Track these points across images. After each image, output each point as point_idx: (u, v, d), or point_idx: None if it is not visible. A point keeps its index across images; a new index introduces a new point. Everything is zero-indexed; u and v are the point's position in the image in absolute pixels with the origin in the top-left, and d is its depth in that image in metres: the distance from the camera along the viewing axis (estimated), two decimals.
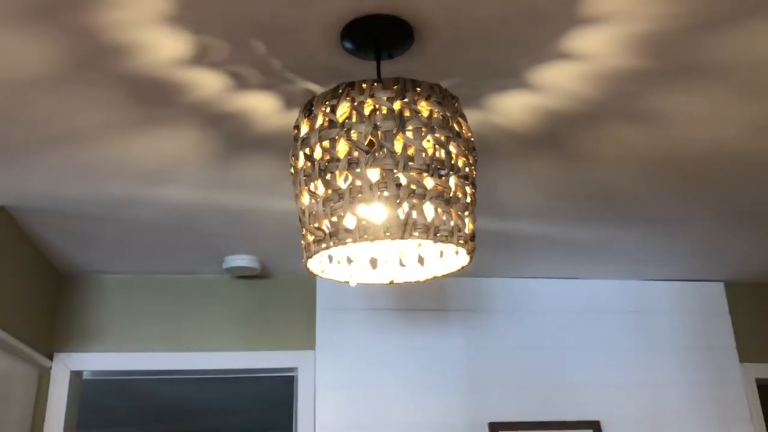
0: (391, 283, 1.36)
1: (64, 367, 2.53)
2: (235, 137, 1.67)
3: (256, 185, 1.94)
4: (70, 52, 1.32)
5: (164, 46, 1.31)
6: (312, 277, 2.76)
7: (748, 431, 2.80)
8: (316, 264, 1.29)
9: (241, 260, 2.52)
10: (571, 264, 2.73)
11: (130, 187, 1.92)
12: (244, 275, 2.67)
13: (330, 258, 1.33)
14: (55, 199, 1.98)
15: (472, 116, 1.61)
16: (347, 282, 1.34)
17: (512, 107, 1.57)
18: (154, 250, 2.41)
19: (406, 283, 2.79)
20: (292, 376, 2.78)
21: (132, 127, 1.61)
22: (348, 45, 1.32)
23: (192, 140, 1.68)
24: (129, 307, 2.63)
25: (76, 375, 2.58)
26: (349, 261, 1.34)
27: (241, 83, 1.45)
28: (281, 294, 2.73)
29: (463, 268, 1.31)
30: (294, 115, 1.57)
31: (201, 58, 1.36)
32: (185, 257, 2.49)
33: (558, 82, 1.48)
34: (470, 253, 1.23)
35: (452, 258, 1.32)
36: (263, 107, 1.54)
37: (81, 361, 2.56)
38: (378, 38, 1.30)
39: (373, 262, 1.35)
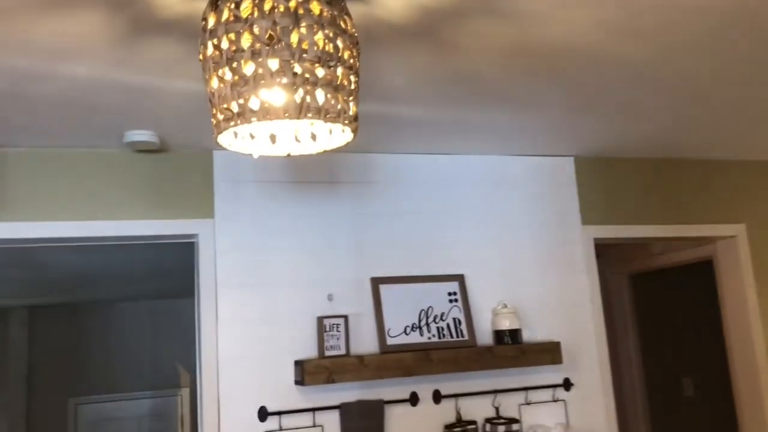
0: (288, 155, 1.61)
1: None
2: (140, 21, 1.80)
3: (158, 66, 2.08)
4: None
5: None
6: (209, 151, 2.95)
7: (584, 280, 3.38)
8: (225, 139, 1.52)
9: (140, 135, 2.66)
10: (444, 141, 3.07)
11: (34, 64, 2.01)
12: (144, 149, 2.82)
13: (235, 134, 1.56)
14: None
15: (359, 9, 1.82)
16: (251, 154, 1.58)
17: (392, 1, 1.80)
18: (57, 125, 2.51)
19: (299, 158, 3.05)
20: (193, 243, 3.03)
21: (38, 7, 1.70)
22: None
23: (97, 22, 1.79)
24: (31, 179, 2.73)
25: None
26: (252, 137, 1.58)
27: None
28: (180, 167, 2.91)
29: (347, 143, 1.58)
30: (196, 3, 1.72)
31: None
32: (87, 132, 2.60)
33: None
34: (354, 131, 1.50)
35: (339, 135, 1.58)
36: None
37: None
38: None
39: (273, 138, 1.59)
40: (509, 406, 3.13)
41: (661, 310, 4.99)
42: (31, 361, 5.53)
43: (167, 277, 4.92)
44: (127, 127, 2.60)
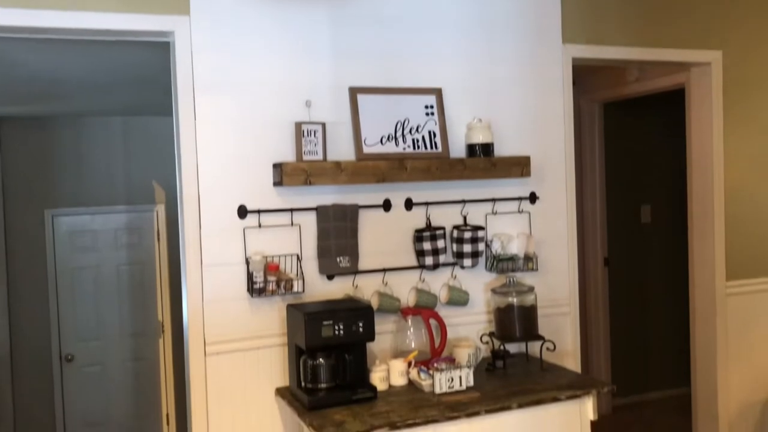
0: None
1: None
2: None
3: None
4: None
5: None
6: None
7: (558, 99, 3.43)
8: None
9: None
10: None
11: None
12: None
13: None
14: None
15: None
16: None
17: None
18: None
19: None
20: (168, 43, 2.96)
21: None
22: None
23: None
24: None
25: None
26: None
27: None
28: None
29: None
30: None
31: None
32: None
33: None
34: None
35: None
36: None
37: None
38: None
39: None
40: (476, 215, 3.29)
41: (628, 140, 5.12)
42: (4, 171, 5.54)
43: (141, 91, 4.84)
44: None
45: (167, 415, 5.15)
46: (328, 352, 2.70)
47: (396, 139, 3.12)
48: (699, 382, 3.99)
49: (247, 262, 2.88)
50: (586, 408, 2.74)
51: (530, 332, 3.11)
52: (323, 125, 2.97)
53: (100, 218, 5.74)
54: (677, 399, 4.88)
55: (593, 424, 2.78)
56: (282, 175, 2.82)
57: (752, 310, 3.96)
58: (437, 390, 2.73)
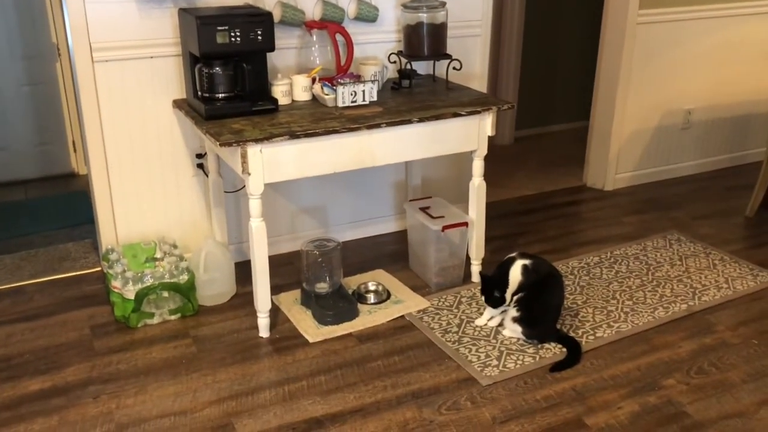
0: None
1: None
2: None
3: None
4: None
5: None
6: None
7: None
8: None
9: None
10: None
11: None
12: None
13: None
14: None
15: None
16: None
17: None
18: None
19: None
20: None
21: None
22: None
23: None
24: None
25: None
26: None
27: None
28: None
29: None
30: None
31: None
32: None
33: None
34: None
35: None
36: None
37: None
38: None
39: None
40: None
41: None
42: None
43: None
44: None
45: (73, 142, 5.01)
46: (226, 61, 2.56)
47: None
48: (598, 110, 4.13)
49: None
50: (485, 124, 2.80)
51: (438, 50, 3.04)
52: None
53: None
54: (578, 131, 5.08)
55: (494, 145, 2.87)
56: None
57: (660, 40, 3.99)
58: (340, 103, 2.69)
